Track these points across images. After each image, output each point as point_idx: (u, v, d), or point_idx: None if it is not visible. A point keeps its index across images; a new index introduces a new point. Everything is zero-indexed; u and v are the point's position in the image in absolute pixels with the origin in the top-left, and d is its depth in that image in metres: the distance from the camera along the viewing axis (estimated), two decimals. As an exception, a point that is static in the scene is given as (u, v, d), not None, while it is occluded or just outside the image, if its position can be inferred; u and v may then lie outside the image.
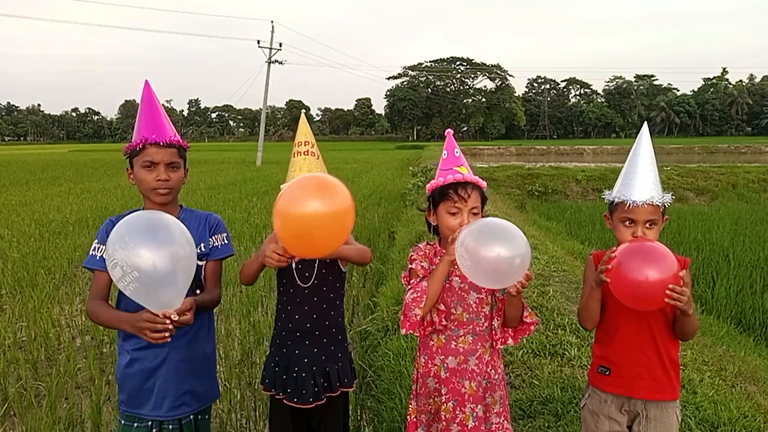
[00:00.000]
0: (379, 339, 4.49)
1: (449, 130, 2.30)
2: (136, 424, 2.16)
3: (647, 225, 2.03)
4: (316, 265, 2.33)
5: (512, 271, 1.90)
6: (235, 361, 4.49)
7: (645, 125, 2.20)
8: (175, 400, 2.16)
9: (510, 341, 2.20)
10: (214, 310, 6.01)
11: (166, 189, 2.15)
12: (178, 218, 2.18)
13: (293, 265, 2.32)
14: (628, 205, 2.04)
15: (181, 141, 2.20)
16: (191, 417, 2.23)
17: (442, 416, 2.15)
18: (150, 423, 2.16)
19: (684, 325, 2.02)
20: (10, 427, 3.63)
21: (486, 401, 2.17)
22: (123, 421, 2.19)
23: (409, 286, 2.13)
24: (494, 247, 1.87)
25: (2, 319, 5.48)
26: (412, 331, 2.10)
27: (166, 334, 1.83)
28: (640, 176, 2.06)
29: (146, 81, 2.18)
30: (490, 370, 2.18)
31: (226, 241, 2.31)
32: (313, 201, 1.83)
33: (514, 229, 1.94)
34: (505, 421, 2.22)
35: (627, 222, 2.06)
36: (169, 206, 2.20)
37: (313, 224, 1.84)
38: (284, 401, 2.31)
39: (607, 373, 2.13)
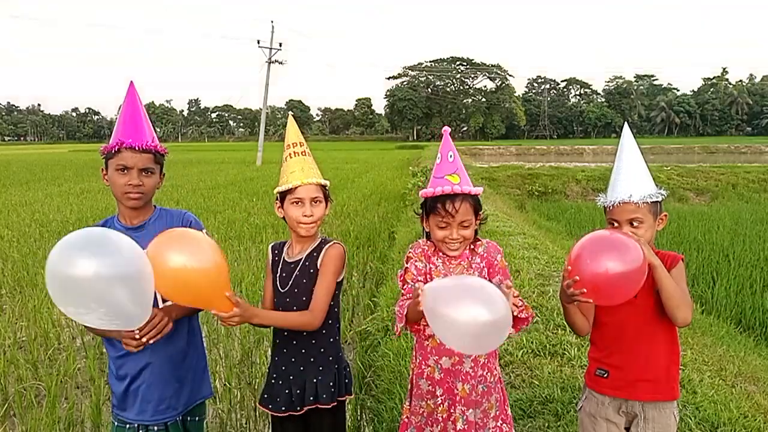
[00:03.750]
0: (379, 339, 4.49)
1: (446, 128, 2.19)
2: (128, 426, 2.18)
3: (632, 224, 2.00)
4: (296, 272, 2.25)
5: (490, 335, 1.73)
6: (235, 361, 4.49)
7: (625, 126, 2.19)
8: (158, 404, 2.16)
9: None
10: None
11: (138, 194, 2.11)
12: (150, 220, 2.19)
13: (278, 272, 2.27)
14: (607, 207, 2.05)
15: (158, 146, 2.15)
16: (178, 419, 2.23)
17: (439, 417, 2.12)
18: (136, 426, 2.17)
19: (666, 298, 1.94)
20: (10, 427, 3.63)
21: (483, 406, 2.13)
22: (116, 423, 2.21)
23: (400, 299, 2.10)
24: (466, 310, 1.70)
25: (2, 319, 5.48)
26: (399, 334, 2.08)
27: (142, 342, 1.90)
28: (620, 176, 2.05)
29: (131, 82, 2.15)
30: (486, 373, 2.14)
31: None
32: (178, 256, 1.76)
33: (487, 287, 1.78)
34: (504, 425, 2.18)
35: (613, 224, 2.05)
36: (142, 209, 2.18)
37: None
38: (260, 405, 2.29)
39: (605, 375, 2.12)
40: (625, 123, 2.28)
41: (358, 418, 3.68)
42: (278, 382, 2.26)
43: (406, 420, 2.24)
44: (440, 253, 2.15)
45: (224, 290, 1.84)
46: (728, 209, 14.51)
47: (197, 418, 2.33)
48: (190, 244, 1.81)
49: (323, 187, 2.26)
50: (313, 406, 2.24)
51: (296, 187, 2.20)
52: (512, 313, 1.91)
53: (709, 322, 5.71)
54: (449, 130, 2.20)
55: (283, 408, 2.23)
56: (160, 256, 1.76)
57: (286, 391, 2.24)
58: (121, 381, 2.15)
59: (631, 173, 2.04)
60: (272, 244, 2.41)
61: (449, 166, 2.09)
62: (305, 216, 2.19)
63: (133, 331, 1.86)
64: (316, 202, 2.22)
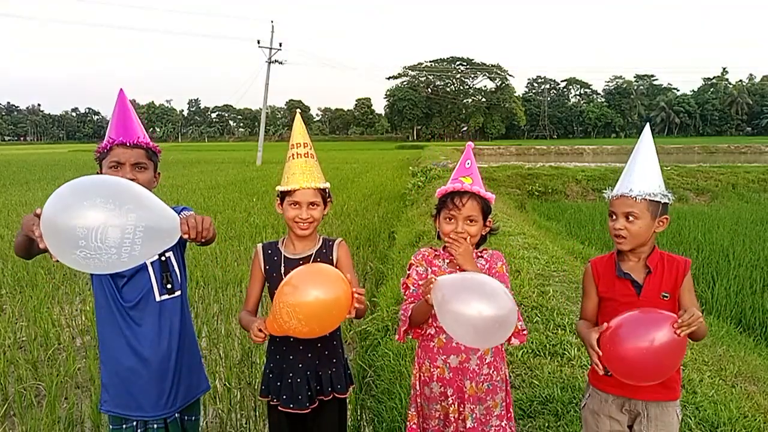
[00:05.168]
0: (379, 339, 4.49)
1: (469, 143, 2.34)
2: (124, 426, 2.18)
3: (628, 218, 2.05)
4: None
5: (495, 330, 1.82)
6: (235, 361, 4.49)
7: (647, 127, 2.23)
8: (158, 399, 2.17)
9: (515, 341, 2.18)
10: (214, 310, 5.95)
11: None
12: None
13: (282, 269, 2.30)
14: (608, 198, 2.12)
15: (150, 143, 2.18)
16: (177, 416, 2.24)
17: (451, 418, 2.16)
18: (135, 423, 2.17)
19: (695, 334, 1.99)
20: (10, 427, 3.63)
21: (487, 403, 2.17)
22: (111, 426, 2.20)
23: (403, 304, 2.22)
24: (473, 304, 1.80)
25: (2, 319, 5.48)
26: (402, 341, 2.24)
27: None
28: (627, 171, 2.11)
29: (121, 90, 2.20)
30: (492, 372, 2.19)
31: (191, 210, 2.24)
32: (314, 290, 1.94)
33: (493, 284, 1.88)
34: (507, 425, 2.22)
35: (612, 216, 2.11)
36: None
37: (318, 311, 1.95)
38: (279, 407, 2.28)
39: (610, 374, 2.13)
40: (647, 124, 2.35)
41: (358, 418, 3.67)
42: (296, 379, 2.28)
43: (415, 426, 2.26)
44: (445, 255, 2.24)
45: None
46: (728, 209, 14.50)
47: (194, 418, 2.35)
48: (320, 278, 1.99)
49: (322, 190, 2.30)
50: (330, 398, 2.31)
51: (295, 190, 2.25)
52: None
53: (709, 322, 5.71)
54: (473, 145, 2.36)
55: (307, 404, 2.27)
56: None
57: (306, 387, 2.27)
58: (119, 376, 2.15)
59: (639, 170, 2.08)
60: (262, 244, 2.43)
61: (465, 170, 2.25)
62: (300, 219, 2.25)
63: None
64: (313, 206, 2.27)
